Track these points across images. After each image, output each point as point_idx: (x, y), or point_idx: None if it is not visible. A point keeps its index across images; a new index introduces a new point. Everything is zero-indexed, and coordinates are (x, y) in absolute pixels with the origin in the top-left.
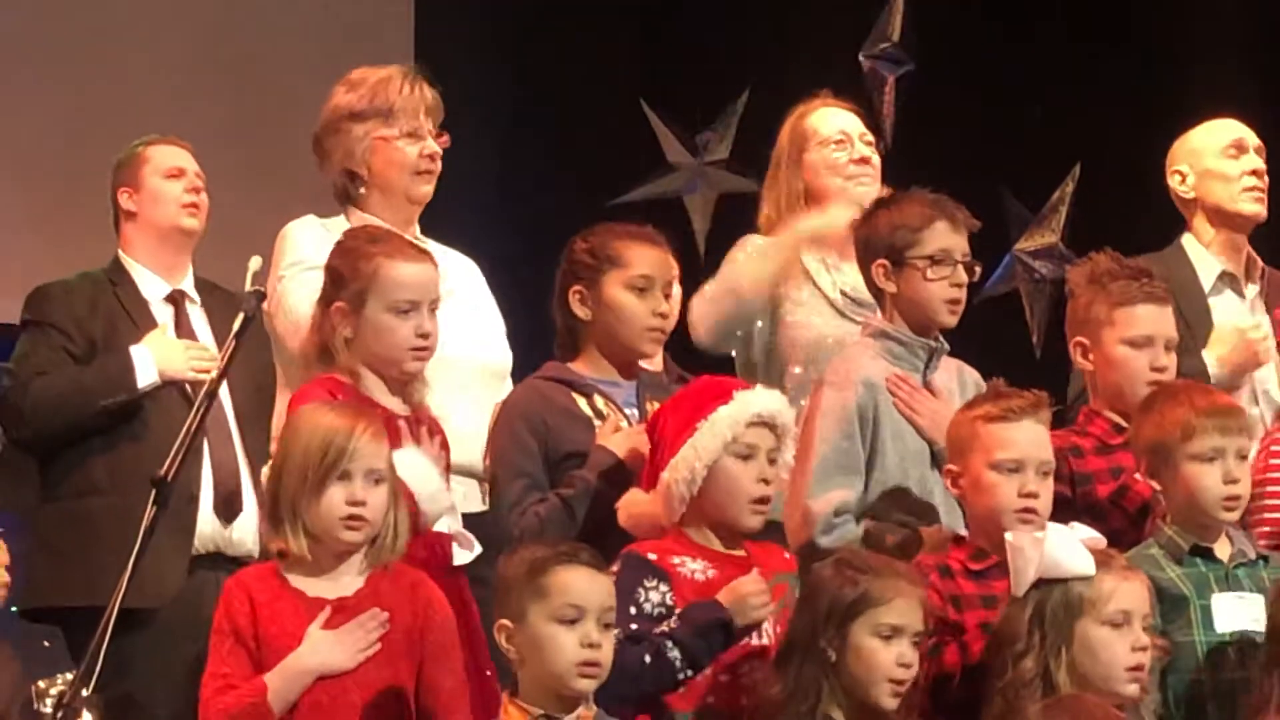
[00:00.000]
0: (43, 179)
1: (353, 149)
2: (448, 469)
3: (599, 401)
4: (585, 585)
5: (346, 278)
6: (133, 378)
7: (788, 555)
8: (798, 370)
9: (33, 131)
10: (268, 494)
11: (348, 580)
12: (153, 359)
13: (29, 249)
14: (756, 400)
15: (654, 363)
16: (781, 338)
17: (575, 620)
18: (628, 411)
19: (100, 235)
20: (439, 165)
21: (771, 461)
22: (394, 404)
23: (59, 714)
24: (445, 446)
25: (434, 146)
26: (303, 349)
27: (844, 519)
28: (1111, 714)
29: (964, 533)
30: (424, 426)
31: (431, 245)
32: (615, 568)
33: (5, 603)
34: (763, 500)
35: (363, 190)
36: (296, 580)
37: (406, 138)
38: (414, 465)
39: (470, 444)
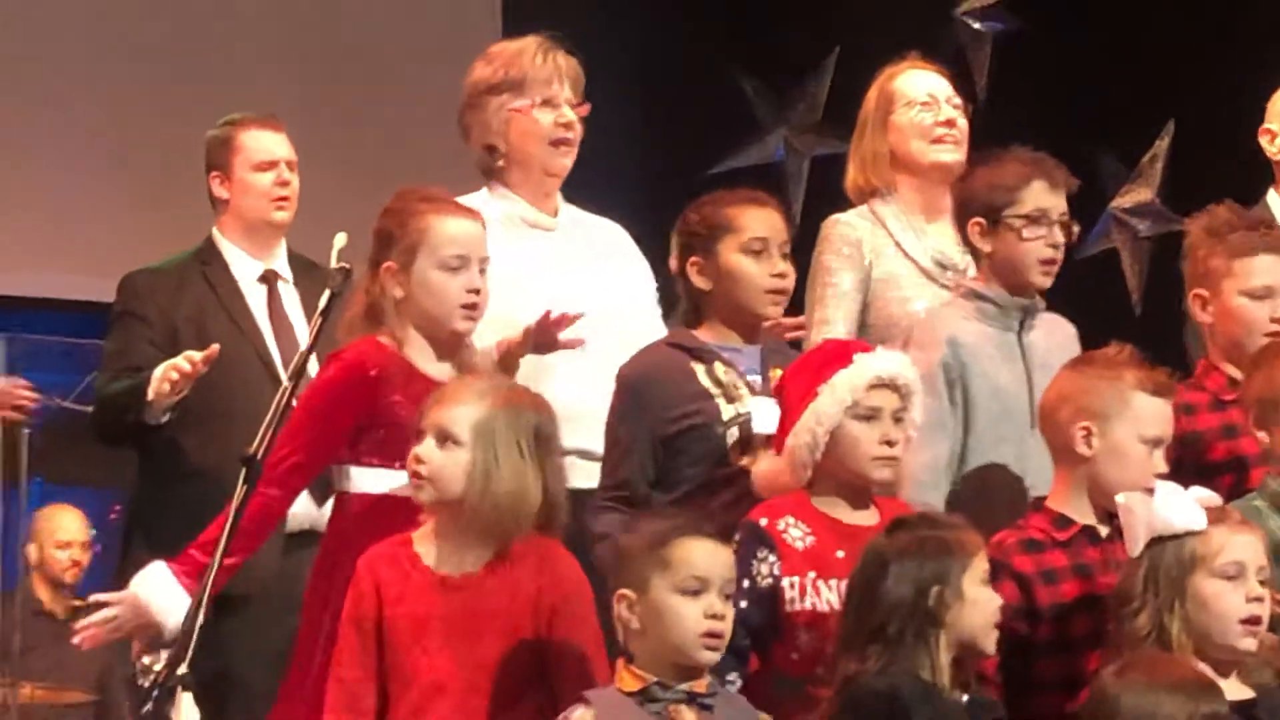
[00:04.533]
0: (139, 157)
1: (489, 122)
2: None
3: (719, 369)
4: (708, 557)
5: (395, 236)
6: (144, 399)
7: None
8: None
9: (128, 110)
10: None
11: (474, 556)
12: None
13: (127, 227)
14: (877, 362)
15: None
16: (874, 310)
17: (698, 592)
18: (750, 378)
19: (197, 212)
20: (577, 134)
21: (897, 421)
22: (438, 370)
23: (154, 693)
24: None
25: (569, 115)
26: (348, 313)
27: (934, 476)
28: (1191, 670)
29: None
30: None
31: (577, 214)
32: (737, 536)
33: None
34: (887, 459)
35: (501, 164)
36: (426, 555)
37: (541, 107)
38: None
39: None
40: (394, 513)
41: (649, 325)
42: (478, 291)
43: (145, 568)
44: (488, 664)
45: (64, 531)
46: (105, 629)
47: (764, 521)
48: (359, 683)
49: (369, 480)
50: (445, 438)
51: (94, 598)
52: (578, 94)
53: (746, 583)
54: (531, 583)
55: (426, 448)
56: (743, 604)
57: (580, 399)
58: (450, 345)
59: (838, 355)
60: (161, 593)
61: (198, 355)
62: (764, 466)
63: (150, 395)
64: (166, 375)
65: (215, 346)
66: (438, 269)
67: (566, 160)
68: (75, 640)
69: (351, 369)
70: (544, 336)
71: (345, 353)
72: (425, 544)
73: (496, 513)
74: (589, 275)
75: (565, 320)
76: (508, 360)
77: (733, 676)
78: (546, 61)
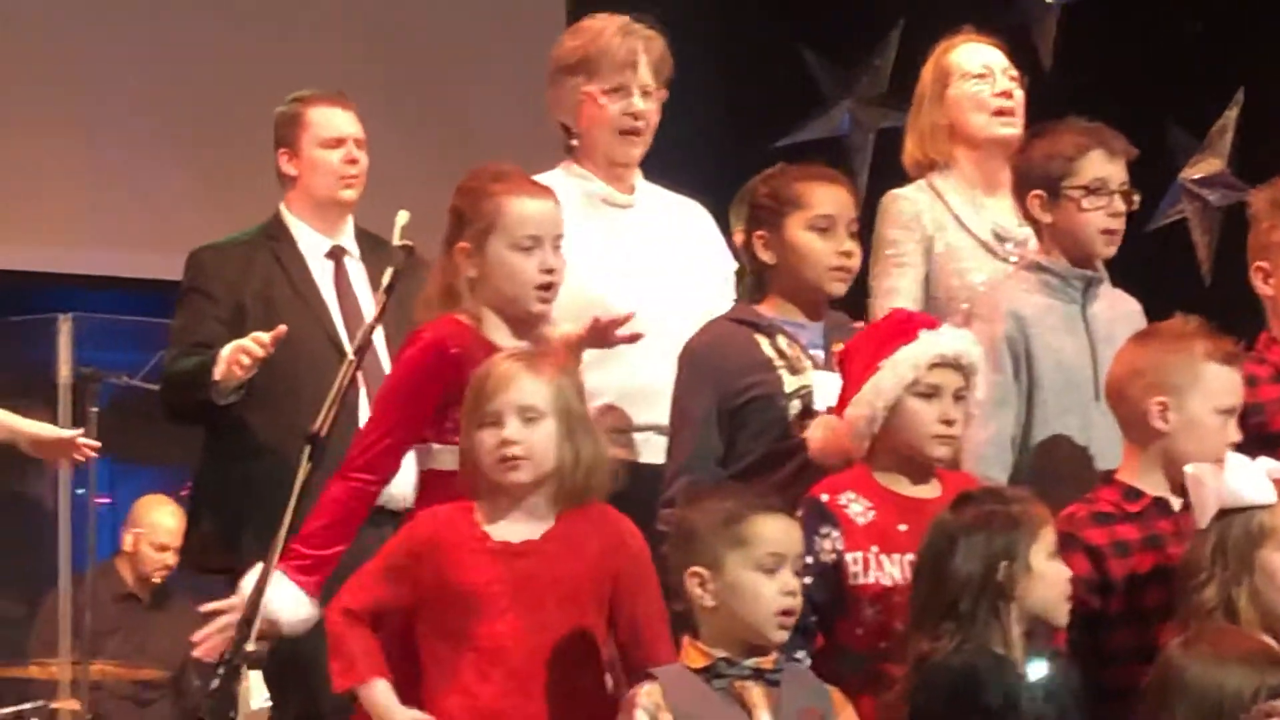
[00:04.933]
0: (206, 134)
1: (564, 101)
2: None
3: (782, 342)
4: (784, 533)
5: (469, 217)
6: (210, 378)
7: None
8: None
9: (196, 88)
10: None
11: (535, 524)
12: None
13: (194, 204)
14: (940, 340)
15: None
16: (934, 284)
17: (774, 569)
18: (813, 353)
19: (265, 189)
20: (647, 124)
21: (958, 399)
22: (509, 344)
23: (220, 670)
24: None
25: (639, 105)
26: (425, 293)
27: (998, 451)
28: (1258, 643)
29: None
30: None
31: (654, 191)
32: (799, 513)
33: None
34: (946, 437)
35: (574, 142)
36: (485, 523)
37: (610, 94)
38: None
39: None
40: None
41: (724, 303)
42: (552, 271)
43: (252, 569)
44: (550, 630)
45: (164, 533)
46: (224, 636)
47: (825, 497)
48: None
49: (453, 458)
50: (528, 415)
51: (207, 608)
52: (659, 79)
53: (810, 559)
54: (595, 548)
55: (513, 429)
56: (806, 580)
57: (656, 376)
58: (527, 323)
59: (902, 329)
60: (274, 591)
61: (266, 336)
62: (822, 430)
63: (217, 375)
64: (235, 358)
65: (283, 327)
66: (511, 249)
67: (634, 150)
68: (196, 653)
69: (432, 349)
70: (598, 338)
71: (425, 333)
72: (485, 511)
73: (588, 478)
74: (664, 253)
75: (615, 323)
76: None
77: (800, 655)
78: (624, 45)
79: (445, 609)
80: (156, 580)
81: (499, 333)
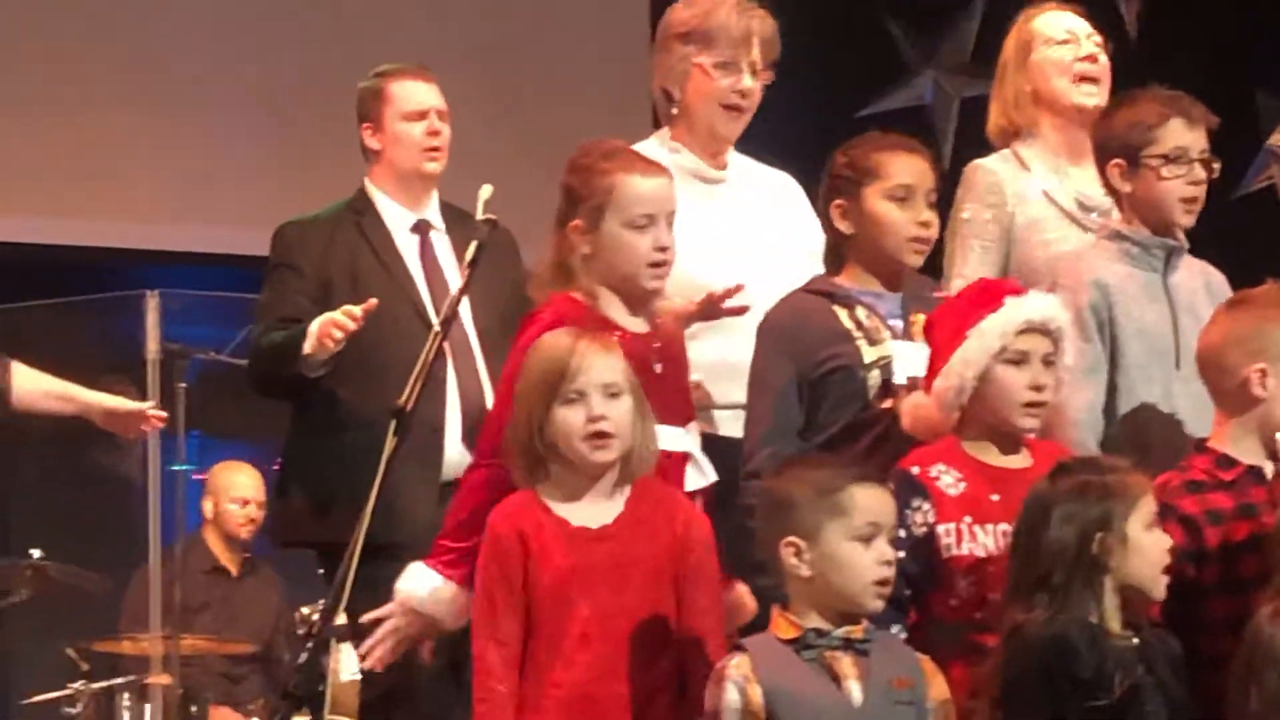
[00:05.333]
0: (292, 110)
1: (672, 68)
2: (685, 381)
3: (860, 313)
4: (881, 503)
5: (582, 195)
6: (300, 351)
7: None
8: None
9: (281, 63)
10: (507, 428)
11: (606, 507)
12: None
13: (280, 180)
14: (1027, 306)
15: None
16: (1017, 255)
17: (872, 538)
18: (892, 323)
19: (350, 164)
20: (752, 102)
21: (1048, 365)
22: (632, 323)
23: (308, 644)
24: (682, 362)
25: (747, 83)
26: (538, 270)
27: (1093, 418)
28: None
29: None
30: (661, 345)
31: (746, 164)
32: (890, 485)
33: (260, 534)
34: (1036, 404)
35: (674, 111)
36: (557, 508)
37: (721, 68)
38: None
39: None
40: None
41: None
42: (665, 249)
43: (407, 571)
44: (635, 611)
45: (240, 487)
46: (390, 644)
47: (916, 470)
48: (516, 643)
49: None
50: (611, 391)
51: (365, 618)
52: (767, 58)
53: (902, 532)
54: (668, 529)
55: (604, 406)
56: (900, 554)
57: (741, 354)
58: (642, 299)
59: (988, 297)
60: (428, 589)
61: (356, 309)
62: (914, 403)
63: (307, 349)
64: (326, 331)
65: (373, 300)
66: (625, 228)
67: (736, 125)
68: (365, 665)
69: (550, 328)
70: (708, 311)
71: (541, 313)
72: (554, 499)
73: (654, 456)
74: (756, 228)
75: (728, 293)
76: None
77: (895, 629)
78: (740, 22)
79: (532, 598)
80: (244, 536)
81: (615, 310)
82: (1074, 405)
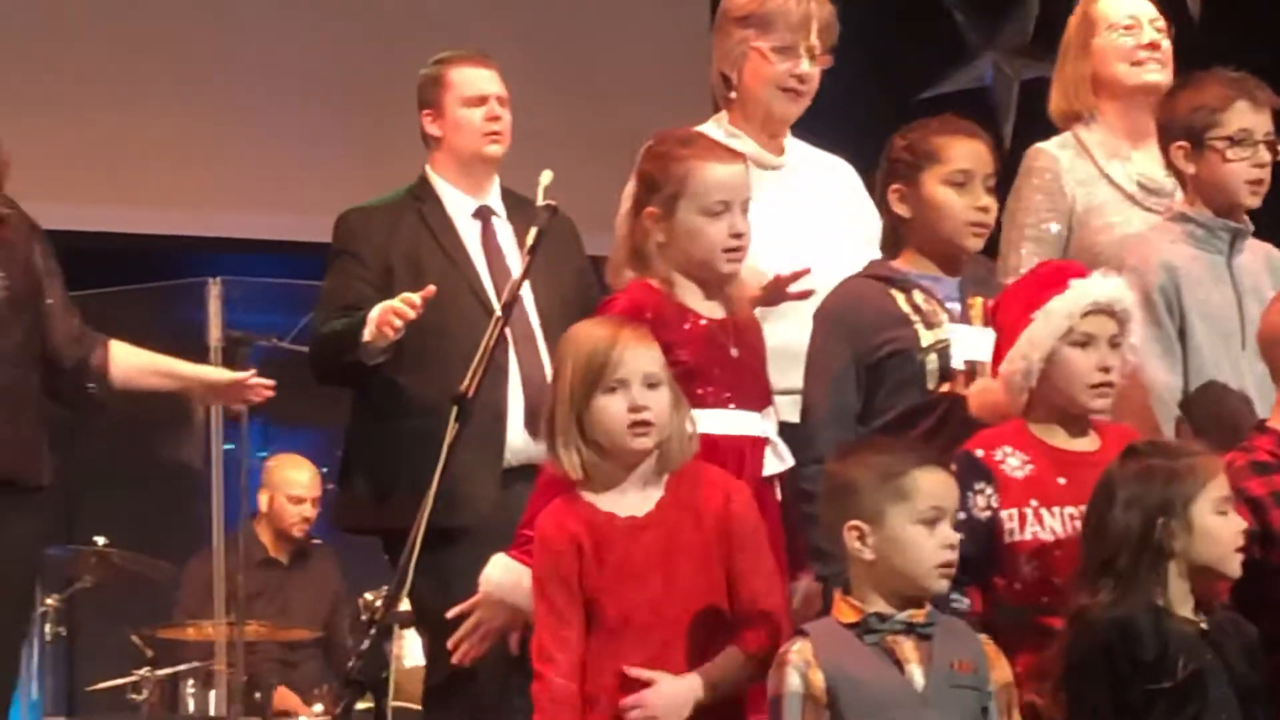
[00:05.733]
0: (353, 98)
1: (730, 52)
2: (762, 366)
3: (918, 297)
4: (944, 486)
5: (658, 182)
6: (360, 339)
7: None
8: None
9: (342, 51)
10: (544, 417)
11: (646, 495)
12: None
13: (341, 167)
14: (1093, 288)
15: None
16: (1078, 239)
17: (935, 521)
18: (949, 307)
19: (411, 151)
20: (810, 87)
21: (1115, 346)
22: (709, 308)
23: (372, 630)
24: (759, 347)
25: (806, 67)
26: (614, 256)
27: (1174, 399)
28: None
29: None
30: (738, 330)
31: (804, 150)
32: (953, 468)
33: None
34: (1103, 385)
35: (732, 95)
36: (600, 502)
37: (779, 52)
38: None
39: None
40: None
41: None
42: (741, 234)
43: (490, 563)
44: (686, 597)
45: (298, 486)
46: (477, 637)
47: (980, 453)
48: (578, 642)
49: None
50: (651, 381)
51: (451, 613)
52: (825, 44)
53: (963, 515)
54: (709, 509)
55: (644, 396)
56: (970, 535)
57: (800, 340)
58: (717, 285)
59: (1054, 280)
60: (512, 580)
61: (415, 297)
62: (980, 388)
63: (367, 336)
64: (385, 319)
65: (432, 288)
66: (700, 215)
67: (793, 108)
68: (455, 659)
69: (625, 314)
70: (774, 295)
71: (617, 300)
72: (594, 493)
73: (692, 443)
74: (814, 213)
75: (795, 277)
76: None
77: (956, 596)
78: (799, 7)
79: (589, 595)
80: (296, 534)
81: (690, 295)
82: (1160, 384)
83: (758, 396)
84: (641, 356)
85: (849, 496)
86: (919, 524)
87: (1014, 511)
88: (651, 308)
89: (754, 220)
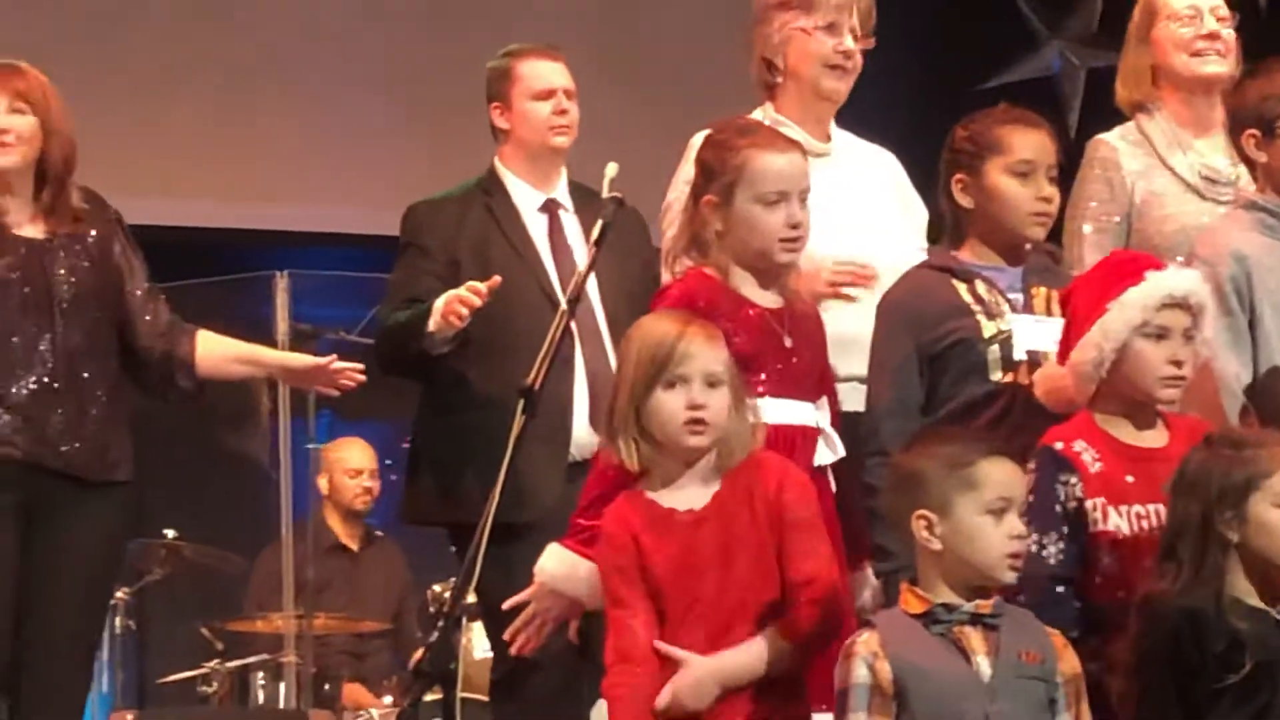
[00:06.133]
0: (421, 91)
1: (772, 37)
2: (817, 356)
3: (980, 287)
4: (1011, 476)
5: (716, 171)
6: (425, 328)
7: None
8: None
9: (409, 44)
10: (605, 408)
11: (703, 490)
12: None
13: (409, 160)
14: (1169, 281)
15: None
16: (1137, 230)
17: (1002, 511)
18: (1012, 297)
19: (479, 144)
20: (855, 65)
21: (1188, 340)
22: (765, 298)
23: (440, 622)
24: (816, 338)
25: (850, 44)
26: (670, 245)
27: (1240, 388)
28: None
29: None
30: (793, 319)
31: (849, 140)
32: (1032, 465)
33: (382, 510)
34: (1175, 379)
35: (779, 80)
36: (660, 498)
37: (824, 30)
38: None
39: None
40: None
41: (918, 252)
42: (798, 224)
43: (545, 552)
44: (742, 590)
45: (352, 459)
46: (534, 627)
47: (1059, 445)
48: (647, 631)
49: None
50: (711, 380)
51: (508, 604)
52: (865, 27)
53: (1058, 508)
54: (763, 500)
55: (704, 394)
56: (1064, 529)
57: (860, 327)
58: (773, 274)
59: (1129, 270)
60: (566, 569)
61: (482, 286)
62: (1047, 375)
63: (432, 326)
64: (451, 309)
65: (497, 278)
66: (757, 204)
67: (840, 85)
68: (513, 650)
69: (680, 304)
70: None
71: (671, 289)
72: (654, 489)
73: (749, 445)
74: (861, 202)
75: (858, 276)
76: None
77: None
78: None
79: (652, 588)
80: (359, 507)
81: (747, 285)
82: (1228, 373)
83: (811, 387)
84: (705, 354)
85: (916, 486)
86: (986, 514)
87: (1096, 502)
88: (705, 297)
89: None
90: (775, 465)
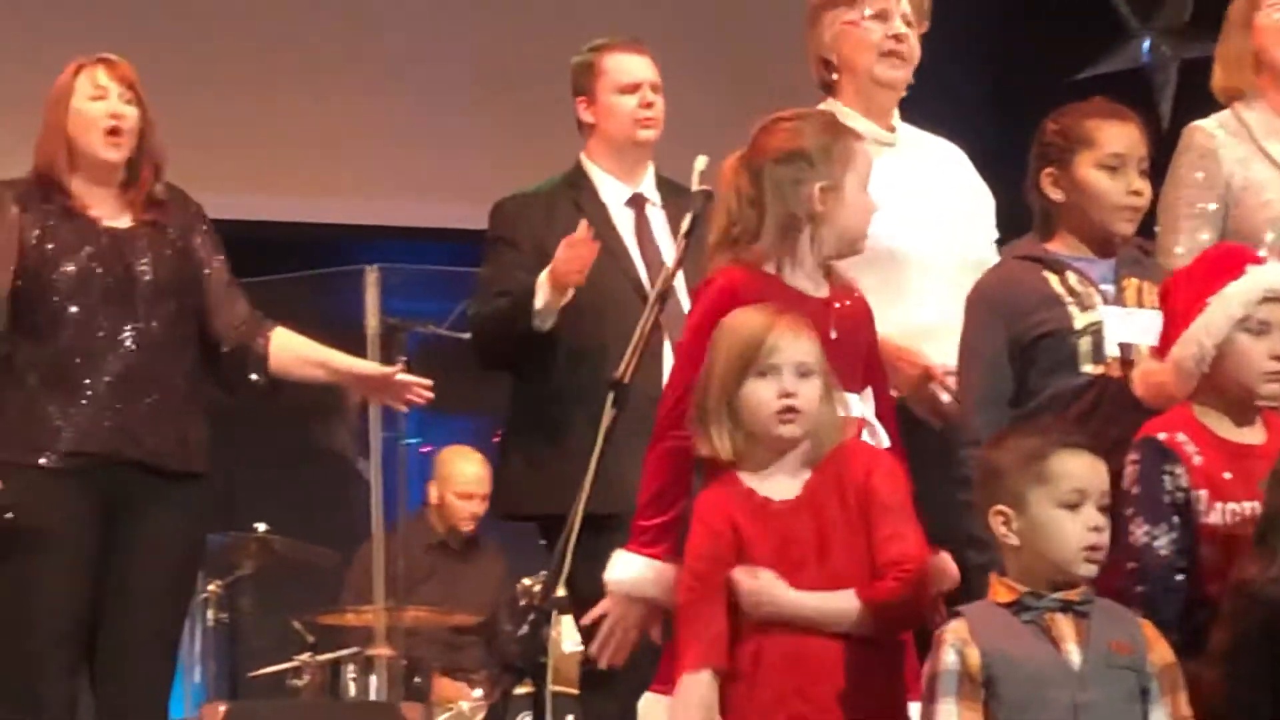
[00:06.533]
0: (508, 85)
1: (823, 36)
2: (863, 349)
3: (1072, 279)
4: (1087, 469)
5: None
6: (531, 306)
7: None
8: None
9: (497, 39)
10: (695, 398)
11: (796, 479)
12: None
13: (497, 155)
14: (1269, 275)
15: None
16: (1235, 218)
17: (1078, 504)
18: (1103, 288)
19: (565, 138)
20: (909, 49)
21: None
22: (809, 286)
23: (530, 616)
24: (863, 331)
25: (901, 28)
26: (717, 236)
27: None
28: None
29: None
30: (839, 311)
31: (914, 132)
32: (1134, 457)
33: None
34: (1276, 374)
35: (835, 76)
36: (757, 486)
37: (873, 19)
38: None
39: (951, 344)
40: None
41: (988, 243)
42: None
43: (612, 561)
44: (838, 577)
45: (466, 482)
46: (616, 638)
47: (1163, 436)
48: (716, 616)
49: None
50: (803, 370)
51: (585, 620)
52: (918, 13)
53: (1165, 499)
54: (852, 485)
55: (795, 384)
56: (1174, 519)
57: (929, 317)
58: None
59: (1229, 265)
60: (637, 574)
61: (579, 233)
62: (1147, 369)
63: (539, 303)
64: (568, 268)
65: (585, 223)
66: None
67: (896, 72)
68: (602, 665)
69: (725, 296)
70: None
71: (716, 280)
72: (752, 478)
73: (842, 432)
74: (929, 191)
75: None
76: None
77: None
78: None
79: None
80: (465, 529)
81: (795, 277)
82: None
83: (855, 377)
84: (796, 344)
85: (994, 481)
86: (1060, 507)
87: (1200, 494)
88: (753, 288)
89: (875, 197)
90: (863, 451)
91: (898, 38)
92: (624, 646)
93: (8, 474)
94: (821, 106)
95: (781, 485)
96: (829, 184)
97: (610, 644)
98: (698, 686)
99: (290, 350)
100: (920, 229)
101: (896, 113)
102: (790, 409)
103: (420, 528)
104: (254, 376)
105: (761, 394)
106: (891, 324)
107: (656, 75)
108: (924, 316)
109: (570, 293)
